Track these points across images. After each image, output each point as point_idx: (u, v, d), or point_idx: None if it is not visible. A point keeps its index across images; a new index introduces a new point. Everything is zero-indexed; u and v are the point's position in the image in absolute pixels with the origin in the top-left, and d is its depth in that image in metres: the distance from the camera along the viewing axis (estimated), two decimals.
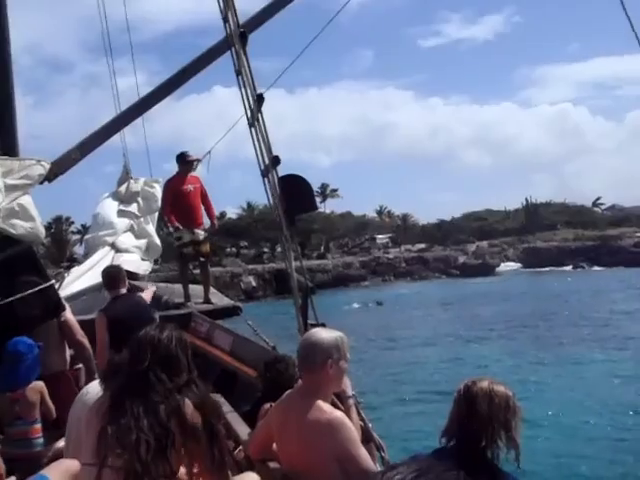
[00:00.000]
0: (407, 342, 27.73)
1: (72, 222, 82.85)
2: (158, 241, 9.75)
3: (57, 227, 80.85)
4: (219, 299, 8.92)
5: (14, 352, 4.42)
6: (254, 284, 61.76)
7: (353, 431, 3.02)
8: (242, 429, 4.55)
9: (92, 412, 2.92)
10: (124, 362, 2.97)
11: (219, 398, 5.26)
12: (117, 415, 2.72)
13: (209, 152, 9.40)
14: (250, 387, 6.03)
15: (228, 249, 75.33)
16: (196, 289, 9.02)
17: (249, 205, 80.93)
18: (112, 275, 6.18)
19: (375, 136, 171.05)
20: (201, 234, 8.99)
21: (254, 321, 7.41)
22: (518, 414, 2.72)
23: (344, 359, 3.17)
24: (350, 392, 3.57)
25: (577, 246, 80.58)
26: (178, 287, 9.10)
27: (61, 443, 4.27)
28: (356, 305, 46.07)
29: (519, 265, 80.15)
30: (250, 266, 65.15)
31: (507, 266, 79.61)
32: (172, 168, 9.47)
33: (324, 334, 3.22)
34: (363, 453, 3.01)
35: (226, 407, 5.11)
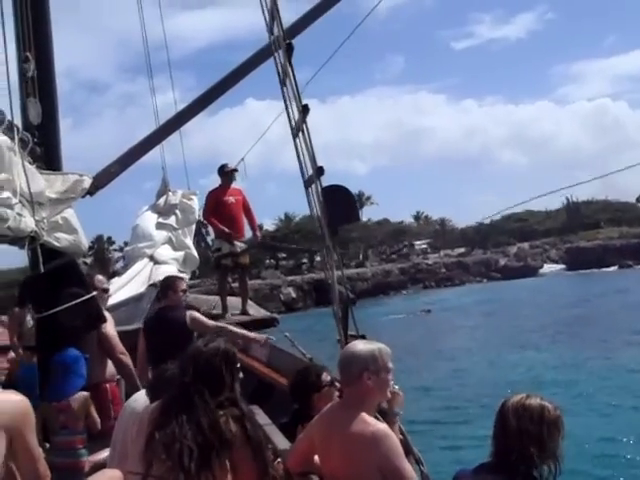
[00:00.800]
0: (455, 352, 27.24)
1: (113, 241, 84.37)
2: (195, 253, 9.82)
3: (99, 246, 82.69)
4: (256, 311, 8.95)
5: (61, 362, 4.49)
6: (294, 295, 61.77)
7: (397, 443, 2.99)
8: (280, 441, 4.52)
9: (141, 421, 2.94)
10: (173, 374, 2.99)
11: (256, 410, 5.25)
12: (164, 424, 2.73)
13: (242, 159, 9.55)
14: (287, 398, 5.99)
15: (267, 261, 75.65)
16: (234, 301, 9.07)
17: (287, 216, 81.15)
18: (162, 284, 6.24)
19: (410, 141, 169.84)
20: (240, 246, 9.05)
21: (292, 333, 7.39)
22: (555, 427, 2.69)
23: (384, 371, 3.13)
24: (397, 410, 3.54)
25: (622, 244, 77.18)
26: (215, 299, 9.16)
27: (103, 454, 4.31)
28: (402, 315, 44.73)
29: (562, 266, 77.80)
30: (289, 277, 65.12)
31: (550, 267, 77.48)
32: (208, 183, 9.78)
33: (361, 346, 3.20)
34: (407, 466, 2.97)
35: (263, 419, 5.10)
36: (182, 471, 2.60)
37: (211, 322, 5.94)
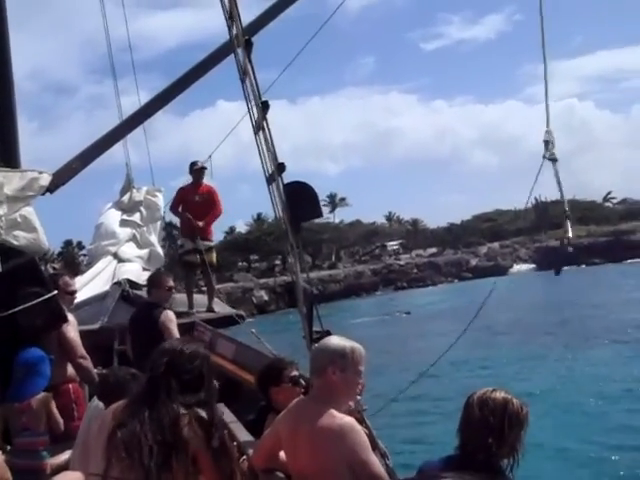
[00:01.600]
0: (424, 352, 27.38)
1: (83, 246, 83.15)
2: (160, 251, 9.75)
3: (68, 251, 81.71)
4: (222, 308, 8.91)
5: (24, 362, 4.42)
6: (266, 298, 61.66)
7: (364, 436, 3.01)
8: (246, 438, 4.52)
9: (103, 421, 2.90)
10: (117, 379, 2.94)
11: (222, 407, 5.23)
12: (126, 422, 2.70)
13: (209, 157, 9.51)
14: (253, 396, 5.99)
15: (240, 263, 75.26)
16: (199, 298, 9.03)
17: (259, 217, 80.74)
18: (148, 280, 6.50)
19: (381, 142, 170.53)
20: (205, 244, 9.02)
21: (262, 334, 7.37)
22: (517, 421, 2.75)
23: (352, 370, 3.13)
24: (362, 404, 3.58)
25: (590, 242, 78.51)
26: (180, 296, 9.09)
27: (65, 456, 4.26)
28: (376, 317, 44.36)
29: (532, 266, 78.45)
30: (261, 280, 65.03)
31: (520, 267, 78.50)
32: (179, 185, 9.65)
33: (334, 340, 3.22)
34: (373, 459, 3.00)
35: (229, 416, 5.08)
36: (142, 470, 2.58)
37: (175, 335, 5.93)
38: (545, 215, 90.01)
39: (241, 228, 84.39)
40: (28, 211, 4.82)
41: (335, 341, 3.20)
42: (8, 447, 4.26)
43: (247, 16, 5.56)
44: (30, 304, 4.71)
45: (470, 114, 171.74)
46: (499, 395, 2.79)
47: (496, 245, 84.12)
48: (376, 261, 79.77)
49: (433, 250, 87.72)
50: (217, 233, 9.66)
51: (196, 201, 9.12)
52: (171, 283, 6.43)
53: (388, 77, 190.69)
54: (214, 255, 9.27)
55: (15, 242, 4.67)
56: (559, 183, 4.43)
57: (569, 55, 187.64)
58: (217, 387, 3.05)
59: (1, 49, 5.07)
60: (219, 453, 2.73)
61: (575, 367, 20.78)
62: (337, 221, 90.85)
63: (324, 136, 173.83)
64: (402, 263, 76.97)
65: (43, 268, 5.22)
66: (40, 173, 5.02)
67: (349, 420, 3.02)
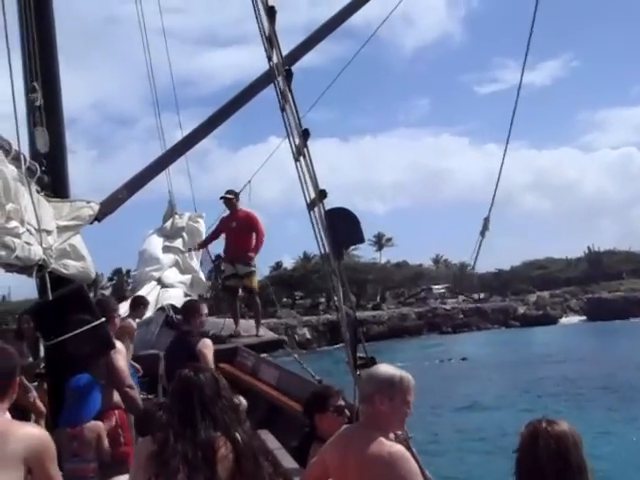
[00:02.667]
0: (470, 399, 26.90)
1: (131, 274, 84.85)
2: (202, 276, 9.88)
3: (118, 279, 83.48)
4: (264, 332, 8.96)
5: (76, 388, 4.50)
6: (308, 336, 61.12)
7: (414, 464, 2.97)
8: (290, 465, 4.51)
9: (138, 453, 2.93)
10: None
11: (266, 434, 5.24)
12: (164, 457, 2.75)
13: (249, 182, 9.69)
14: (296, 422, 5.98)
15: (284, 299, 75.39)
16: (244, 323, 9.10)
17: (305, 255, 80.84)
18: (184, 308, 6.39)
19: (431, 183, 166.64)
20: (243, 268, 9.12)
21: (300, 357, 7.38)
22: (577, 453, 2.64)
23: (400, 399, 3.09)
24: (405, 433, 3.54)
25: None
26: (223, 321, 9.18)
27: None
28: (437, 361, 43.00)
29: (583, 317, 75.50)
30: (305, 318, 64.72)
31: (570, 319, 75.48)
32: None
33: (383, 368, 3.20)
34: None
35: (273, 443, 5.08)
36: None
37: (211, 362, 5.97)
38: (598, 265, 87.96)
39: (287, 264, 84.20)
40: (77, 240, 4.94)
41: (384, 369, 3.18)
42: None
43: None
44: (78, 331, 4.80)
45: (523, 159, 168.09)
46: (557, 427, 2.65)
47: (546, 294, 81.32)
48: (421, 304, 78.02)
49: (480, 296, 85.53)
50: (263, 267, 9.85)
51: (233, 227, 9.30)
52: (205, 311, 6.45)
53: (441, 119, 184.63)
54: (254, 279, 9.35)
55: (64, 270, 4.78)
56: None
57: (628, 103, 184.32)
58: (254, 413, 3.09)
59: (51, 81, 5.23)
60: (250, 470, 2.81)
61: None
62: (383, 261, 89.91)
63: (374, 175, 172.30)
64: (448, 307, 74.90)
65: (93, 294, 5.32)
66: (88, 203, 5.15)
67: (399, 448, 2.99)
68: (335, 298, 4.53)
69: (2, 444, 2.62)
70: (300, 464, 4.37)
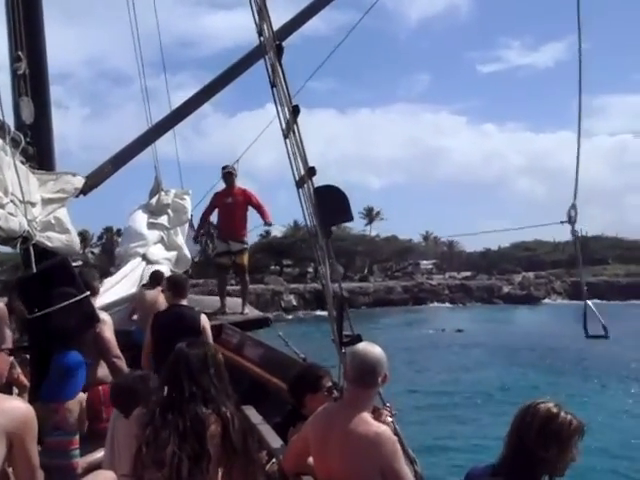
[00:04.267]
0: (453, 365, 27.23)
1: (122, 233, 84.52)
2: (187, 253, 9.81)
3: (107, 237, 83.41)
4: (251, 311, 8.97)
5: (63, 365, 4.47)
6: (294, 303, 61.92)
7: (398, 446, 3.00)
8: (274, 441, 4.52)
9: (130, 424, 2.94)
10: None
11: (250, 409, 5.24)
12: (155, 429, 2.74)
13: (237, 161, 9.62)
14: (280, 399, 6.00)
15: (272, 267, 75.52)
16: (229, 301, 9.09)
17: (295, 224, 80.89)
18: (176, 282, 6.26)
19: (427, 160, 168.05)
20: (237, 246, 9.09)
21: (285, 333, 7.40)
22: (559, 436, 2.66)
23: (384, 378, 3.20)
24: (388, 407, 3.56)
25: (628, 282, 77.22)
26: (209, 299, 9.18)
27: (95, 455, 4.31)
28: (431, 331, 43.75)
29: (566, 301, 75.02)
30: (292, 285, 65.22)
31: (553, 300, 76.18)
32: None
33: (378, 350, 3.23)
34: (406, 469, 2.99)
35: (257, 418, 5.09)
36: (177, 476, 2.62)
37: (210, 337, 5.96)
38: (585, 250, 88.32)
39: (277, 232, 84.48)
40: (62, 213, 4.89)
41: (379, 350, 3.22)
42: (39, 447, 4.32)
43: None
44: (63, 304, 4.77)
45: (520, 141, 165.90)
46: (543, 407, 2.72)
47: (531, 275, 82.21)
48: (408, 278, 78.74)
49: (467, 274, 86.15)
50: (252, 235, 9.80)
51: (228, 203, 9.22)
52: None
53: (441, 96, 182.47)
54: (245, 257, 9.32)
55: (49, 243, 4.74)
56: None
57: (629, 90, 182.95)
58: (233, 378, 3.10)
59: (37, 51, 5.13)
60: (246, 452, 2.80)
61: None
62: (373, 235, 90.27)
63: (370, 149, 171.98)
64: (434, 283, 75.88)
65: (83, 252, 5.27)
66: (74, 176, 5.09)
67: (385, 429, 3.03)
68: (322, 274, 4.52)
69: None
70: (283, 441, 4.39)
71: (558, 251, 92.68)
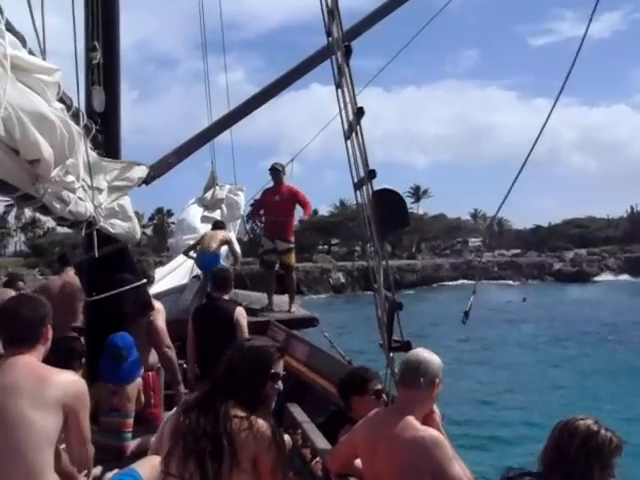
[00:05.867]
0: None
1: (172, 214, 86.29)
2: (238, 249, 9.94)
3: (159, 219, 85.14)
4: (297, 309, 9.02)
5: (121, 346, 4.58)
6: (343, 280, 62.62)
7: (450, 450, 2.98)
8: (319, 439, 4.53)
9: (171, 421, 2.94)
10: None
11: (295, 407, 5.28)
12: (189, 426, 2.68)
13: (292, 161, 9.70)
14: (324, 399, 6.02)
15: (319, 246, 76.05)
16: (277, 298, 9.16)
17: (342, 203, 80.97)
18: (221, 276, 6.42)
19: (474, 137, 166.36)
20: (283, 245, 9.16)
21: (331, 332, 7.42)
22: (599, 455, 2.60)
23: (439, 386, 3.20)
24: (438, 411, 3.53)
25: None
26: (258, 295, 9.26)
27: (144, 440, 4.40)
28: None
29: (620, 277, 74.89)
30: (340, 263, 65.72)
31: (607, 276, 74.66)
32: (268, 166, 9.71)
33: (433, 355, 3.24)
34: (458, 473, 2.95)
35: (302, 416, 5.12)
36: (195, 464, 2.58)
37: (246, 331, 6.01)
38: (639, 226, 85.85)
39: (324, 212, 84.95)
40: (125, 200, 5.01)
41: (434, 355, 3.23)
42: (94, 427, 4.43)
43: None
44: (121, 290, 4.90)
45: (573, 116, 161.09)
46: (583, 424, 2.66)
47: (583, 252, 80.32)
48: (456, 256, 78.32)
49: (517, 251, 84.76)
50: (299, 214, 9.88)
51: (276, 201, 9.29)
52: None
53: (490, 71, 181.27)
54: (292, 257, 9.37)
55: (112, 230, 4.85)
56: None
57: None
58: (283, 387, 2.88)
59: (111, 42, 5.26)
60: (280, 460, 2.69)
61: None
62: (421, 212, 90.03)
63: (417, 127, 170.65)
64: (483, 260, 75.38)
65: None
66: (138, 165, 5.21)
67: (435, 433, 3.01)
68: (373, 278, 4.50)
69: (43, 389, 2.68)
70: (327, 440, 4.40)
71: (612, 227, 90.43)
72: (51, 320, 2.98)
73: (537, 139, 4.79)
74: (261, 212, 9.77)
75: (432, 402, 3.22)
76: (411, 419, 3.03)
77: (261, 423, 2.63)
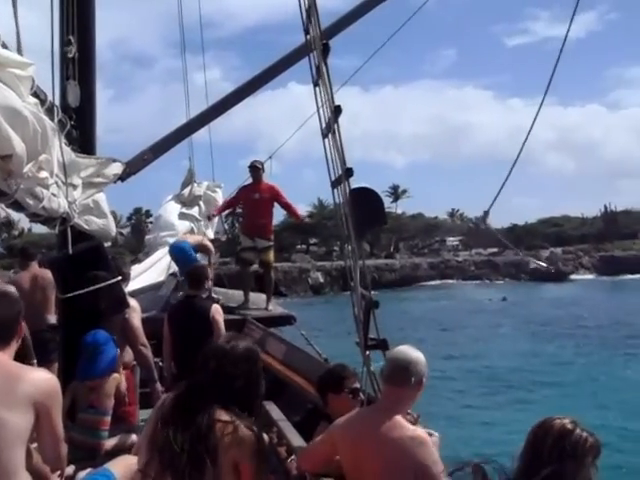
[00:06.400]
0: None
1: (151, 214, 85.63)
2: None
3: (137, 218, 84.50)
4: (274, 307, 9.00)
5: (93, 342, 4.54)
6: (321, 280, 62.74)
7: (435, 450, 2.98)
8: (294, 438, 4.53)
9: (146, 429, 2.91)
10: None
11: (270, 405, 5.27)
12: (167, 427, 2.65)
13: (270, 157, 9.67)
14: (300, 397, 6.02)
15: (298, 245, 76.04)
16: (254, 296, 9.13)
17: (320, 203, 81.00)
18: (196, 273, 6.36)
19: (451, 137, 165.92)
20: (262, 243, 9.13)
21: (314, 323, 7.42)
22: (574, 453, 2.61)
23: (423, 384, 3.17)
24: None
25: None
26: (235, 293, 9.23)
27: (119, 439, 4.37)
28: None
29: (594, 275, 76.12)
30: (318, 263, 65.89)
31: (581, 275, 75.58)
32: (246, 164, 9.61)
33: (418, 353, 3.21)
34: (440, 474, 2.95)
35: (278, 414, 5.12)
36: (172, 475, 2.56)
37: (223, 329, 5.97)
38: (613, 224, 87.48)
39: (303, 211, 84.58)
40: (100, 197, 4.97)
41: (419, 353, 3.20)
42: (71, 424, 4.38)
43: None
44: (95, 287, 4.84)
45: (548, 115, 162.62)
46: (559, 423, 2.65)
47: (559, 250, 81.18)
48: (434, 255, 78.96)
49: (493, 250, 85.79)
50: (278, 215, 9.85)
51: (255, 199, 9.22)
52: (211, 275, 6.57)
53: (466, 70, 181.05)
54: (271, 254, 9.34)
55: (86, 226, 4.81)
56: None
57: None
58: (264, 387, 2.88)
59: (87, 36, 5.20)
60: (262, 466, 2.67)
61: None
62: (399, 212, 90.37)
63: (394, 126, 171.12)
64: (460, 259, 76.16)
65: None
66: (114, 162, 5.17)
67: (421, 432, 3.00)
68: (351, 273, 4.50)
69: (14, 386, 2.64)
70: (303, 438, 4.39)
71: (586, 226, 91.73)
72: (23, 315, 2.94)
73: (524, 144, 4.81)
74: (237, 208, 9.70)
75: (413, 402, 3.19)
76: (398, 418, 3.02)
77: (245, 429, 2.60)
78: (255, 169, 9.25)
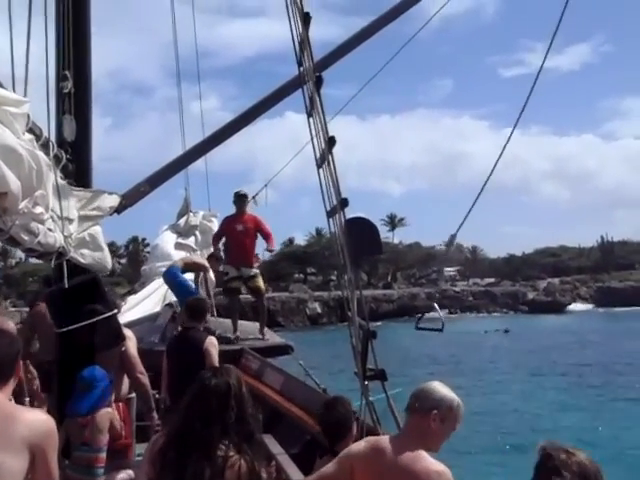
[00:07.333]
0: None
1: (147, 243, 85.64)
2: (212, 275, 9.89)
3: (134, 247, 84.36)
4: (271, 337, 8.95)
5: (89, 379, 4.49)
6: (319, 310, 62.84)
7: None
8: (293, 471, 4.49)
9: (145, 458, 2.87)
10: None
11: (269, 439, 5.22)
12: (163, 465, 2.64)
13: (265, 186, 9.72)
14: (298, 428, 5.98)
15: (295, 275, 75.98)
16: (250, 326, 9.08)
17: (318, 232, 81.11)
18: (198, 306, 6.35)
19: (448, 166, 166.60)
20: (248, 272, 9.11)
21: (306, 361, 7.38)
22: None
23: (451, 426, 3.11)
24: None
25: None
26: (230, 322, 9.18)
27: (119, 475, 4.31)
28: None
29: (591, 306, 76.32)
30: (316, 293, 65.88)
31: (579, 305, 75.75)
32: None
33: (445, 389, 3.17)
34: None
35: (276, 448, 5.07)
36: None
37: (216, 361, 5.93)
38: (610, 255, 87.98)
39: (300, 240, 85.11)
40: (96, 230, 4.95)
41: (447, 390, 3.16)
42: (66, 462, 4.32)
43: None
44: (92, 321, 4.82)
45: (543, 145, 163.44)
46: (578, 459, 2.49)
47: (556, 281, 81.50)
48: (432, 285, 78.87)
49: (490, 280, 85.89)
50: (275, 244, 9.82)
51: (239, 230, 9.24)
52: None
53: (462, 100, 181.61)
54: (260, 281, 9.32)
55: (82, 260, 4.79)
56: None
57: None
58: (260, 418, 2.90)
59: (83, 71, 5.23)
60: None
61: None
62: (396, 242, 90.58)
63: (392, 155, 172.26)
64: (458, 290, 76.11)
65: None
66: (110, 194, 5.17)
67: (445, 468, 2.96)
68: (349, 304, 4.50)
69: (10, 428, 2.60)
70: (301, 470, 4.35)
71: (583, 256, 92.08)
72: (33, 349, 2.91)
73: (497, 160, 4.89)
74: (222, 241, 9.68)
75: (440, 441, 3.12)
76: (420, 449, 2.98)
77: (242, 462, 2.60)
78: (240, 198, 9.29)
